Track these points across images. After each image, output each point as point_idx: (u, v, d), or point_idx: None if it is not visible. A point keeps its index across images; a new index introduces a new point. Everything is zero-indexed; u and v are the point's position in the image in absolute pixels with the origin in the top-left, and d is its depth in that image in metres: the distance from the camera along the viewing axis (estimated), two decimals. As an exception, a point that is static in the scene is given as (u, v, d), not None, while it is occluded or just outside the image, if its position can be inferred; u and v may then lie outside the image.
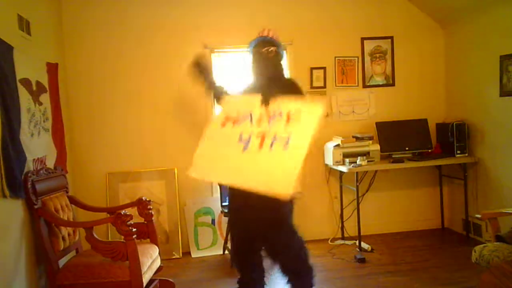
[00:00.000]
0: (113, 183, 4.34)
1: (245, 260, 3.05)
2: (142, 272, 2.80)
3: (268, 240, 2.91)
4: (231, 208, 3.06)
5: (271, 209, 2.66)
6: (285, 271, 2.96)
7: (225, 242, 4.31)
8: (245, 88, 2.99)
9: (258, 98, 2.54)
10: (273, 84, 2.78)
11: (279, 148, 2.24)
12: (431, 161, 4.35)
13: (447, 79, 4.83)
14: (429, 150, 4.58)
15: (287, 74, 3.16)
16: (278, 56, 2.97)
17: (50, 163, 3.38)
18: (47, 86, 3.47)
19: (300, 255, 2.95)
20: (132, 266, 2.75)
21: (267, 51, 2.89)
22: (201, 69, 2.99)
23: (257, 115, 2.46)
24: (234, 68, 4.54)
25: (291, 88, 2.83)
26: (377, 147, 4.38)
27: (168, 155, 4.43)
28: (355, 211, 4.28)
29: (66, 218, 3.15)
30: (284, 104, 2.42)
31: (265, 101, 2.45)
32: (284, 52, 3.00)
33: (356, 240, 4.31)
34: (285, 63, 3.89)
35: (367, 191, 4.65)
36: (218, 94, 2.98)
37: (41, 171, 3.06)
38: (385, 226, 4.76)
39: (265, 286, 3.14)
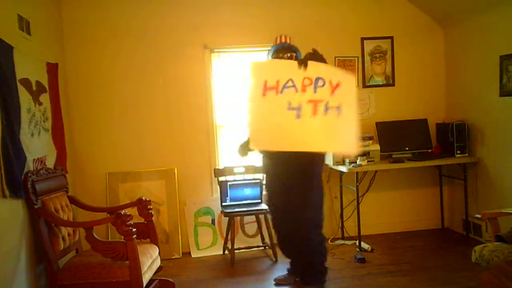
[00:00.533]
0: (113, 183, 4.34)
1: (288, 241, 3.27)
2: (142, 272, 2.80)
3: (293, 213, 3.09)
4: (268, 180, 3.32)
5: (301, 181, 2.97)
6: (297, 258, 3.26)
7: (225, 242, 4.31)
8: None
9: (293, 62, 2.55)
10: None
11: (333, 114, 2.34)
12: (431, 161, 4.35)
13: (447, 79, 4.83)
14: (429, 150, 4.58)
15: None
16: (306, 57, 3.04)
17: (50, 163, 3.38)
18: (47, 86, 3.47)
19: (316, 248, 3.18)
20: (132, 266, 2.75)
21: (288, 57, 2.97)
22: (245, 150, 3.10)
23: (300, 82, 2.47)
24: (234, 68, 4.54)
25: None
26: (377, 147, 4.38)
27: (168, 155, 4.43)
28: (355, 211, 4.28)
29: (66, 218, 3.15)
30: (321, 69, 2.46)
31: (305, 62, 2.49)
32: (301, 54, 3.09)
33: (356, 240, 4.31)
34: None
35: (367, 191, 4.65)
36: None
37: (41, 171, 3.06)
38: (385, 226, 4.76)
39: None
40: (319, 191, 3.17)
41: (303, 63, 2.51)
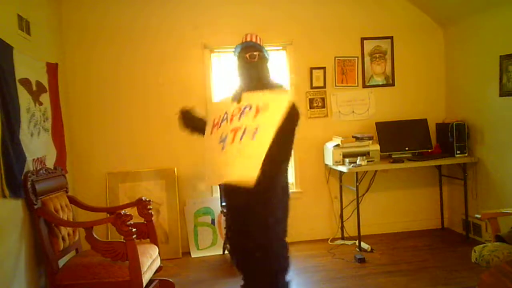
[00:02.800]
0: (112, 183, 4.34)
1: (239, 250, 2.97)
2: (142, 272, 2.80)
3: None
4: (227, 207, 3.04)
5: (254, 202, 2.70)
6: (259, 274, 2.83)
7: (225, 242, 4.31)
8: (233, 92, 2.95)
9: (229, 97, 2.64)
10: (259, 88, 2.76)
11: (247, 139, 2.32)
12: (431, 161, 4.35)
13: (447, 79, 4.83)
14: (429, 150, 4.58)
15: (278, 77, 3.21)
16: (262, 60, 2.96)
17: (50, 163, 3.38)
18: (47, 86, 3.47)
19: (279, 262, 2.82)
20: (132, 266, 2.75)
21: (250, 56, 2.91)
22: (187, 121, 3.00)
23: (231, 113, 2.55)
24: (234, 68, 4.53)
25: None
26: (377, 147, 4.38)
27: (168, 155, 4.43)
28: (355, 211, 4.28)
29: (66, 218, 3.15)
30: (254, 97, 2.48)
31: (236, 98, 2.55)
32: (268, 55, 3.01)
33: (356, 240, 4.31)
34: (274, 66, 3.85)
35: (367, 191, 4.65)
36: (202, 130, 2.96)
37: (41, 171, 3.06)
38: (385, 226, 4.76)
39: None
40: (280, 208, 2.87)
41: (236, 98, 2.55)
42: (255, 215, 2.74)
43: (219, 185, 3.23)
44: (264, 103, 2.39)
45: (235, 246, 2.96)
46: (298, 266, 3.83)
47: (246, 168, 2.30)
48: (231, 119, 2.53)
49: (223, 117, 2.60)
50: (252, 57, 2.90)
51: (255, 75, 2.88)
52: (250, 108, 2.45)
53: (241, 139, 2.35)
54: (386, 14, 4.72)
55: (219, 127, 2.60)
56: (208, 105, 2.77)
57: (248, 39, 3.01)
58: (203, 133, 2.85)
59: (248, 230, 2.79)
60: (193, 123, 2.96)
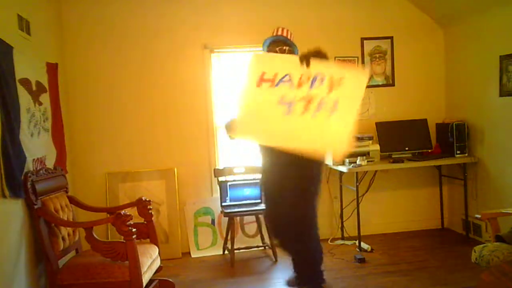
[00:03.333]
0: (112, 183, 4.34)
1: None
2: (142, 272, 2.80)
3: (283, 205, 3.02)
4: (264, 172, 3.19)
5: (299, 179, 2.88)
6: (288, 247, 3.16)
7: (225, 242, 4.31)
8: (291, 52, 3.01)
9: (295, 58, 2.45)
10: None
11: (324, 114, 2.22)
12: (431, 161, 4.35)
13: (447, 79, 4.83)
14: (429, 150, 4.58)
15: None
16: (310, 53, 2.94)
17: (50, 163, 3.38)
18: (47, 86, 3.47)
19: (309, 246, 3.07)
20: (132, 266, 2.75)
21: (280, 50, 2.89)
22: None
23: (297, 78, 2.37)
24: (234, 68, 4.54)
25: None
26: (377, 147, 4.38)
27: (168, 155, 4.43)
28: (355, 211, 4.28)
29: (66, 218, 3.15)
30: (325, 66, 2.34)
31: (307, 60, 2.35)
32: (297, 50, 3.00)
33: (356, 240, 4.31)
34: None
35: (367, 191, 4.65)
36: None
37: (41, 171, 3.06)
38: (385, 226, 4.76)
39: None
40: (316, 192, 3.11)
41: (305, 59, 2.38)
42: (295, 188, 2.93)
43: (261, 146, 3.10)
44: (338, 76, 2.26)
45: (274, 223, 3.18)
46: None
47: (328, 142, 2.26)
48: (299, 84, 2.34)
49: (283, 77, 2.38)
50: (282, 51, 2.89)
51: None
52: (323, 79, 2.30)
53: (315, 112, 2.24)
54: (386, 14, 4.72)
55: (276, 85, 2.39)
56: (254, 55, 2.56)
57: (279, 33, 3.01)
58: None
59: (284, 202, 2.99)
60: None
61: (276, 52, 2.91)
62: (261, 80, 2.39)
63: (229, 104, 4.48)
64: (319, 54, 2.68)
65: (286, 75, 2.38)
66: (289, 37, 3.05)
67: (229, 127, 2.86)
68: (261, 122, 2.39)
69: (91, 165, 4.32)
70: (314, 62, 2.34)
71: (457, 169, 4.49)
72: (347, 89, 2.21)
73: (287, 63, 2.43)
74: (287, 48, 2.94)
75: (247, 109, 2.39)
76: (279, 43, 2.94)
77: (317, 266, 3.13)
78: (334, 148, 2.23)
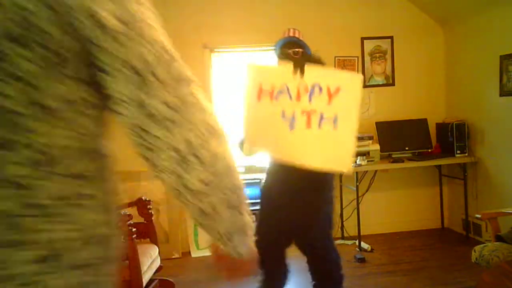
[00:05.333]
0: (113, 183, 4.33)
1: (269, 252, 2.96)
2: (142, 272, 2.80)
3: (300, 232, 2.92)
4: (264, 195, 3.07)
5: (309, 201, 2.75)
6: (314, 270, 3.00)
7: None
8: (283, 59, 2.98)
9: (289, 67, 2.38)
10: None
11: (328, 127, 2.18)
12: (431, 161, 4.35)
13: (447, 79, 4.83)
14: (429, 150, 4.58)
15: None
16: (304, 57, 2.95)
17: (50, 163, 3.37)
18: (47, 86, 3.45)
19: (332, 257, 2.96)
20: (132, 266, 2.75)
21: (294, 52, 2.89)
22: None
23: (295, 89, 2.30)
24: (234, 68, 4.54)
25: None
26: (377, 147, 4.38)
27: (168, 155, 4.42)
28: (355, 211, 4.28)
29: (66, 218, 3.14)
30: (320, 74, 2.29)
31: (299, 69, 2.30)
32: (310, 51, 3.01)
33: (356, 240, 4.31)
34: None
35: (367, 191, 4.65)
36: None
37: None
38: (385, 226, 4.76)
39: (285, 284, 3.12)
40: (331, 203, 3.00)
41: (298, 68, 2.32)
42: (309, 202, 2.78)
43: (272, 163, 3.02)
44: (335, 86, 2.22)
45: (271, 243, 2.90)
46: (297, 266, 3.81)
47: (336, 158, 2.19)
48: (298, 97, 2.29)
49: (281, 89, 2.32)
50: (295, 54, 2.89)
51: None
52: (321, 89, 2.25)
53: (319, 126, 2.18)
54: (386, 14, 4.72)
55: (276, 99, 2.33)
56: (249, 66, 2.51)
57: (291, 34, 3.02)
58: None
59: (297, 221, 2.83)
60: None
61: (290, 54, 2.90)
62: (260, 93, 2.34)
63: (230, 105, 4.48)
64: (314, 60, 2.71)
65: (283, 87, 2.31)
66: (301, 38, 3.06)
67: (241, 146, 2.83)
68: (269, 136, 2.34)
69: (91, 165, 4.32)
70: (308, 70, 2.30)
71: (457, 169, 4.49)
72: (344, 101, 2.17)
73: (282, 73, 2.38)
74: (300, 50, 2.94)
75: (253, 123, 2.36)
76: (293, 45, 2.94)
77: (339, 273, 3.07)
78: (338, 166, 2.20)
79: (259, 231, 2.76)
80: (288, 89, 2.30)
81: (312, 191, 2.79)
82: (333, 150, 2.18)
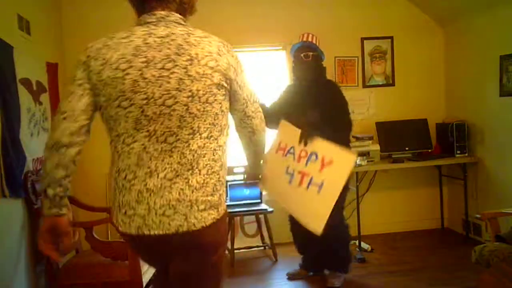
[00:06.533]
0: (113, 183, 4.33)
1: (302, 237, 3.35)
2: (142, 272, 2.81)
3: None
4: None
5: None
6: (324, 249, 3.32)
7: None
8: (287, 88, 3.29)
9: (298, 133, 2.67)
10: (312, 87, 3.04)
11: (314, 190, 2.42)
12: (431, 161, 4.35)
13: (447, 79, 4.83)
14: (429, 150, 4.58)
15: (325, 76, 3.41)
16: (316, 60, 3.21)
17: (50, 163, 3.37)
18: (47, 86, 3.47)
19: (340, 237, 3.31)
20: (132, 266, 2.75)
21: (305, 56, 3.15)
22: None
23: (298, 152, 2.61)
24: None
25: (329, 91, 3.15)
26: (377, 147, 4.38)
27: (168, 155, 4.42)
28: (355, 211, 4.28)
29: (66, 218, 3.14)
30: (320, 145, 2.56)
31: (304, 139, 2.57)
32: (323, 54, 3.28)
33: (356, 240, 4.31)
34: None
35: (367, 191, 4.65)
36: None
37: (41, 171, 3.05)
38: (385, 226, 4.76)
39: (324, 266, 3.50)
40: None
41: (303, 139, 2.59)
42: None
43: None
44: (329, 158, 2.46)
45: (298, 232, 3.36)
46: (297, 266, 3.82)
47: (311, 219, 2.41)
48: (298, 159, 2.59)
49: (289, 150, 2.67)
50: (306, 57, 3.16)
51: (307, 75, 3.16)
52: (316, 157, 2.52)
53: (308, 187, 2.44)
54: (386, 14, 4.72)
55: (285, 155, 2.66)
56: (282, 123, 2.78)
57: (305, 39, 3.26)
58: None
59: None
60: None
61: (301, 58, 3.17)
62: (279, 148, 2.70)
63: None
64: (332, 89, 3.13)
65: (291, 147, 2.66)
66: (314, 41, 3.27)
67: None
68: (278, 186, 2.64)
69: (91, 165, 4.31)
70: (310, 141, 2.57)
71: (457, 169, 4.49)
72: (333, 173, 2.42)
73: (293, 135, 2.70)
74: (311, 53, 3.18)
75: (268, 169, 2.60)
76: (304, 49, 3.18)
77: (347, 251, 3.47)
78: (311, 226, 2.39)
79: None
80: (294, 150, 2.65)
81: None
82: (312, 210, 2.42)
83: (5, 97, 2.69)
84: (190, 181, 1.49)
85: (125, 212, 1.56)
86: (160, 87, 1.44)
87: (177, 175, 1.49)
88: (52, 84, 3.58)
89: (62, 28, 4.21)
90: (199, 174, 1.50)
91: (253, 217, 4.33)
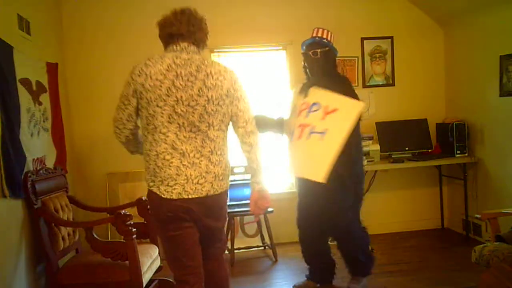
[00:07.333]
0: (113, 183, 4.34)
1: (311, 247, 3.33)
2: (142, 272, 2.80)
3: (328, 224, 3.18)
4: (299, 195, 3.32)
5: (326, 196, 2.96)
6: (344, 255, 3.31)
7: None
8: (302, 84, 3.22)
9: (297, 89, 2.62)
10: (323, 82, 2.98)
11: (316, 138, 2.37)
12: (431, 161, 4.35)
13: (447, 79, 4.83)
14: (429, 150, 4.58)
15: (336, 71, 3.32)
16: (326, 56, 3.11)
17: (50, 163, 3.38)
18: (47, 86, 3.47)
19: (358, 243, 3.23)
20: (132, 266, 2.75)
21: (313, 53, 3.10)
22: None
23: (299, 107, 2.58)
24: (235, 68, 4.53)
25: (340, 86, 3.04)
26: (377, 147, 4.38)
27: (168, 155, 4.42)
28: (355, 211, 4.27)
29: (66, 218, 3.15)
30: (322, 95, 2.48)
31: (303, 92, 2.53)
32: (334, 50, 3.17)
33: (356, 240, 4.31)
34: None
35: (367, 191, 4.64)
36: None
37: (41, 171, 3.06)
38: (385, 226, 4.76)
39: (332, 277, 3.45)
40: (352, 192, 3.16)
41: (303, 91, 2.57)
42: (325, 211, 3.06)
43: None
44: (332, 107, 2.42)
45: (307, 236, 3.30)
46: (298, 266, 3.82)
47: (313, 167, 2.36)
48: (299, 113, 2.57)
49: (291, 109, 2.69)
50: (315, 54, 3.10)
51: (317, 71, 3.10)
52: (318, 107, 2.48)
53: (308, 137, 2.40)
54: (386, 14, 4.72)
55: (296, 116, 2.61)
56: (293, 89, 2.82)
57: (315, 34, 3.18)
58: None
59: (320, 220, 3.15)
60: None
61: (310, 55, 3.11)
62: (296, 109, 2.68)
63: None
64: (338, 79, 3.03)
65: (293, 106, 2.70)
66: (325, 36, 3.17)
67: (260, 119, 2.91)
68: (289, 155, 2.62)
69: (91, 165, 4.32)
70: (312, 92, 2.54)
71: (457, 169, 4.49)
72: (337, 120, 2.38)
73: (295, 96, 2.71)
74: (319, 50, 3.09)
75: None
76: (313, 46, 3.12)
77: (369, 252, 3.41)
78: (312, 175, 2.36)
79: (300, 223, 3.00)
80: (295, 107, 2.63)
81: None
82: (313, 159, 2.36)
83: (5, 97, 2.69)
84: (211, 159, 2.13)
85: (168, 183, 2.09)
86: (186, 92, 2.07)
87: (202, 155, 2.11)
88: (52, 84, 3.58)
89: (62, 28, 4.21)
90: (216, 154, 2.15)
91: (253, 217, 4.33)
